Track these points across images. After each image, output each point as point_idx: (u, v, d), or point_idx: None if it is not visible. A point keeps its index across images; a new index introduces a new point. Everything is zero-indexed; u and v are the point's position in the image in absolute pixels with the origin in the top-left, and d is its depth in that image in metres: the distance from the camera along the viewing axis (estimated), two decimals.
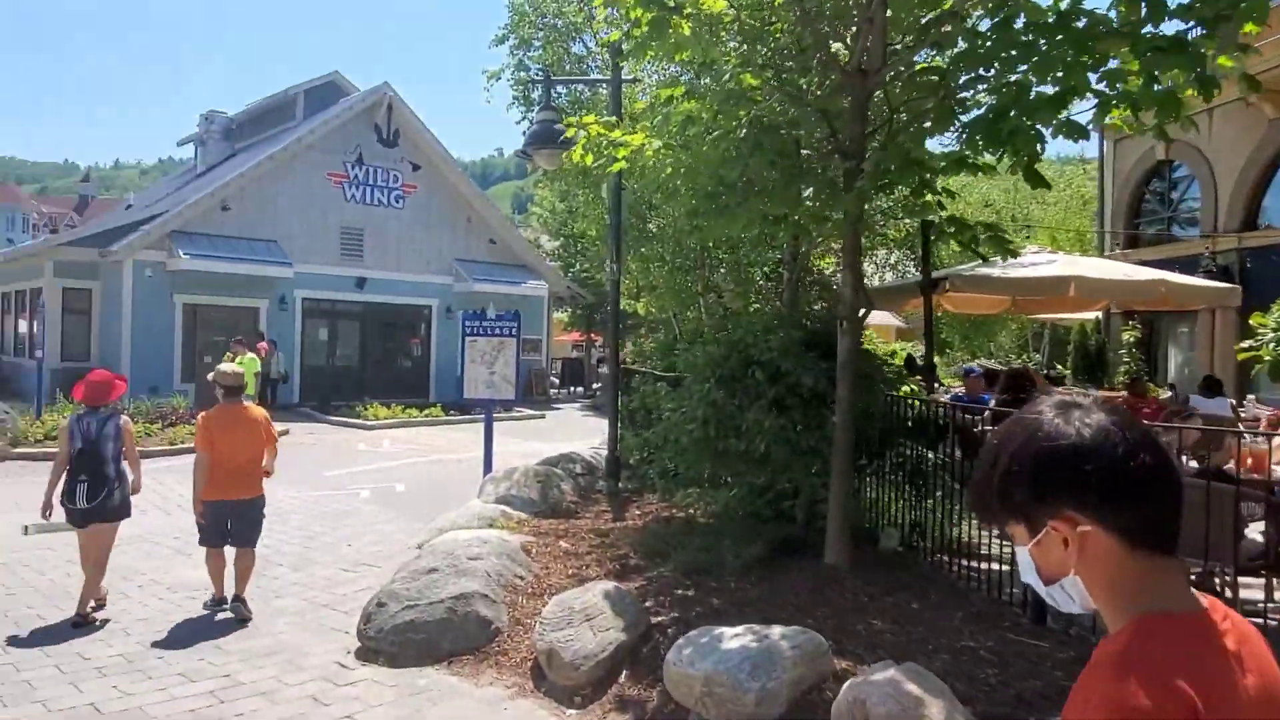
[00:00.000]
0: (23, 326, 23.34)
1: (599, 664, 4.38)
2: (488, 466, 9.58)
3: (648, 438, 6.41)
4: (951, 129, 5.18)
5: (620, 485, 9.53)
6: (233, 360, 14.35)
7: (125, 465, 6.08)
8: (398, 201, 23.97)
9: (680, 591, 5.25)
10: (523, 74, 12.06)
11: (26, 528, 9.37)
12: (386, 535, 9.00)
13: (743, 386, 5.68)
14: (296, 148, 22.04)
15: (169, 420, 15.92)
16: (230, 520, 6.15)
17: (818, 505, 6.59)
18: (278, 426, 18.02)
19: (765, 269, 10.30)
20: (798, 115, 5.86)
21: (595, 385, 32.35)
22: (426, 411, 20.63)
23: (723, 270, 10.48)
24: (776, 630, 3.96)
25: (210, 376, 6.54)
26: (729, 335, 6.00)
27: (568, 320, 34.21)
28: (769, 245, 9.05)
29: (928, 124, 5.44)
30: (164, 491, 11.53)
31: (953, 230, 5.74)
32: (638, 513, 8.34)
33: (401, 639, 5.11)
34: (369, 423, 19.08)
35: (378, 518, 10.06)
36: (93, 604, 6.02)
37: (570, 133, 6.39)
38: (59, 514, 6.11)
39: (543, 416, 22.77)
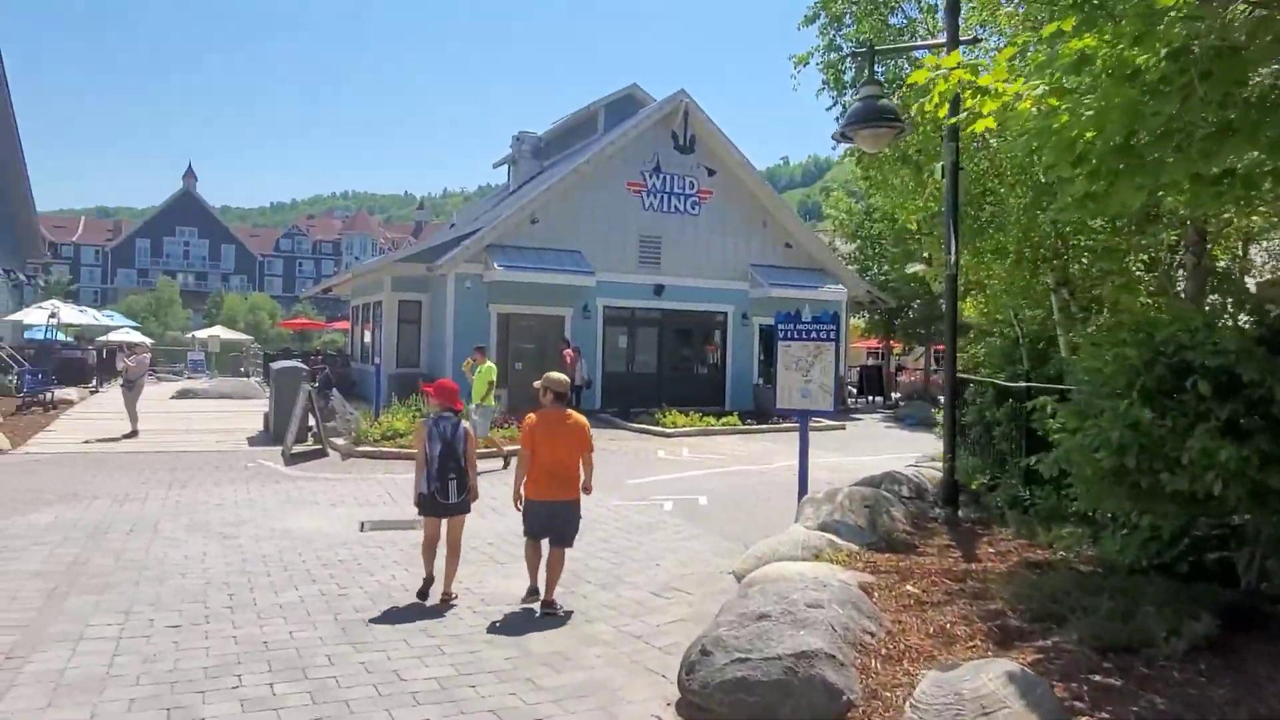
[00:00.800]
0: (368, 337, 26.08)
1: None
2: (803, 486, 8.61)
3: (1037, 465, 5.07)
4: None
5: (959, 514, 8.14)
6: (471, 369, 14.38)
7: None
8: (693, 208, 23.79)
9: (1099, 678, 3.91)
10: (834, 55, 10.96)
11: (363, 524, 9.88)
12: (695, 556, 8.33)
13: (1176, 403, 4.22)
14: (598, 159, 22.56)
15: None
16: (549, 519, 6.46)
17: (1266, 562, 4.89)
18: None
19: (1145, 256, 8.39)
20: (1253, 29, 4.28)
21: (895, 395, 30.33)
22: (723, 420, 20.13)
23: (1084, 260, 8.69)
24: None
25: (537, 383, 6.69)
26: (1147, 335, 4.53)
27: (864, 326, 32.49)
28: (1160, 224, 7.24)
29: None
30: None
31: None
32: (990, 551, 6.94)
33: (731, 699, 4.26)
34: (667, 430, 18.89)
35: (682, 534, 9.46)
36: (443, 596, 6.62)
37: (919, 76, 5.26)
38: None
39: (843, 427, 21.45)
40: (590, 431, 6.61)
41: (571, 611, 6.45)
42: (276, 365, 17.48)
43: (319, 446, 15.15)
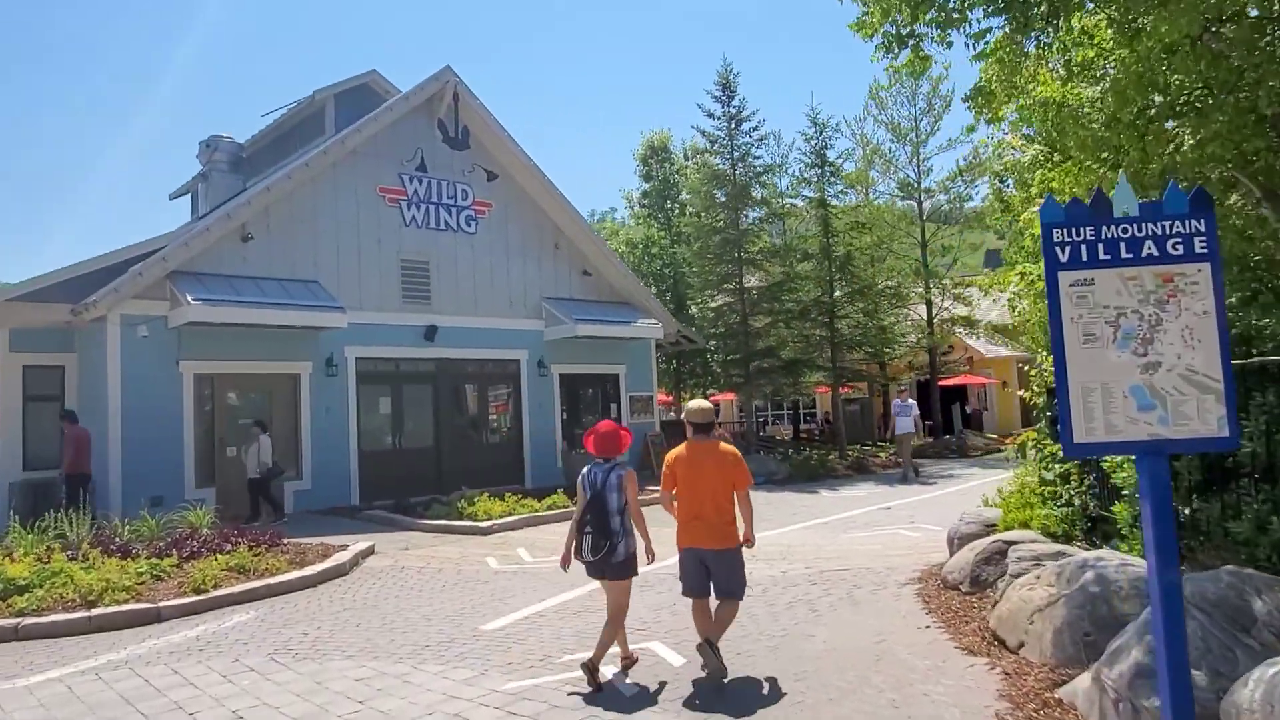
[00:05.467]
0: None
1: None
2: (1176, 633, 3.36)
3: None
4: None
5: None
6: None
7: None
8: (469, 224, 18.08)
9: None
10: None
11: None
12: None
13: None
14: (339, 153, 16.22)
15: (187, 550, 9.63)
16: (704, 570, 5.61)
17: None
18: (311, 540, 10.94)
19: None
20: None
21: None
22: (548, 501, 14.37)
23: None
24: None
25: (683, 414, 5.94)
26: None
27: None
28: None
29: None
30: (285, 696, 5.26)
31: None
32: None
33: None
34: (481, 524, 12.81)
35: None
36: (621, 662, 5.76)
37: None
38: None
39: None
40: (744, 465, 5.62)
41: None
42: None
43: None
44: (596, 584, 9.42)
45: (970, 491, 15.77)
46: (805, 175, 23.14)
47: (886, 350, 24.33)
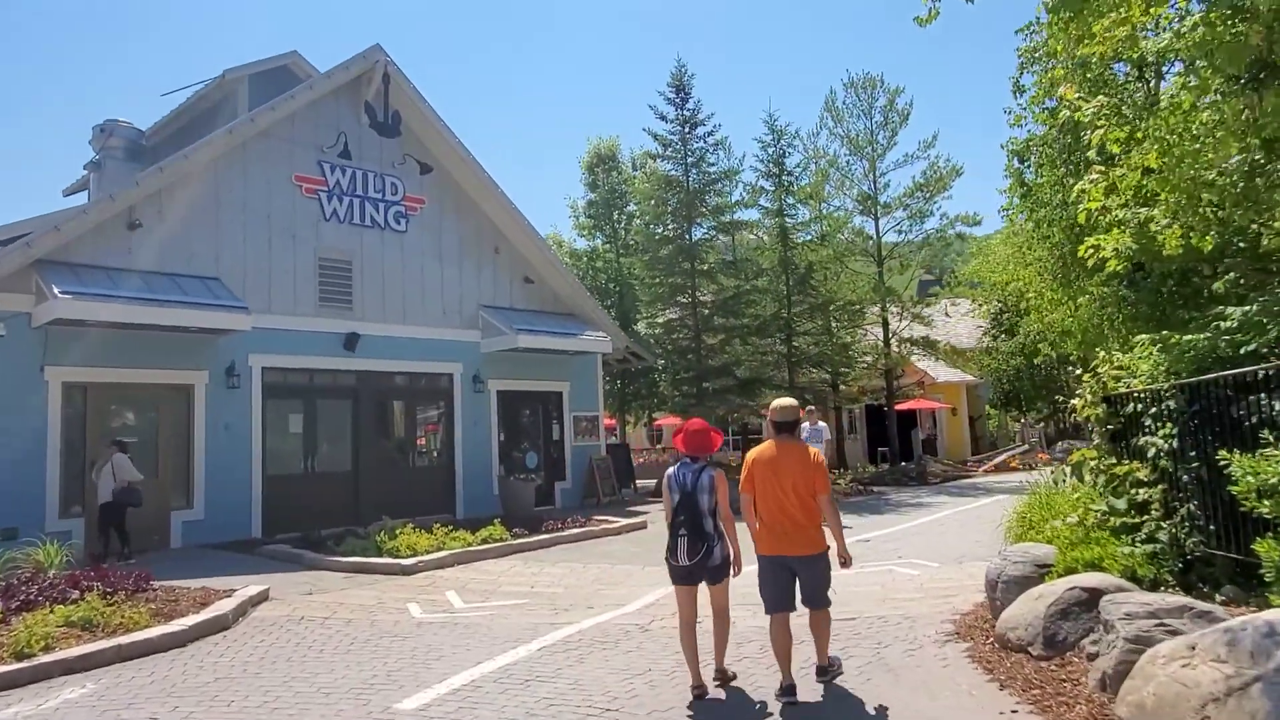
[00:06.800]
0: None
1: None
2: None
3: None
4: None
5: None
6: None
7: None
8: (399, 220, 16.17)
9: None
10: None
11: None
12: None
13: None
14: (248, 132, 14.19)
15: (19, 599, 7.49)
16: (788, 579, 5.26)
17: None
18: (191, 584, 9.30)
19: None
20: None
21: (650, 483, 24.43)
22: (483, 533, 12.46)
23: None
24: None
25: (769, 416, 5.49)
26: None
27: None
28: None
29: None
30: None
31: None
32: None
33: None
34: (404, 560, 10.85)
35: None
36: (727, 675, 5.50)
37: None
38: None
39: (644, 526, 14.75)
40: (825, 469, 5.31)
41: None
42: None
43: None
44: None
45: (948, 521, 14.43)
46: (761, 184, 21.81)
47: (845, 369, 23.01)
